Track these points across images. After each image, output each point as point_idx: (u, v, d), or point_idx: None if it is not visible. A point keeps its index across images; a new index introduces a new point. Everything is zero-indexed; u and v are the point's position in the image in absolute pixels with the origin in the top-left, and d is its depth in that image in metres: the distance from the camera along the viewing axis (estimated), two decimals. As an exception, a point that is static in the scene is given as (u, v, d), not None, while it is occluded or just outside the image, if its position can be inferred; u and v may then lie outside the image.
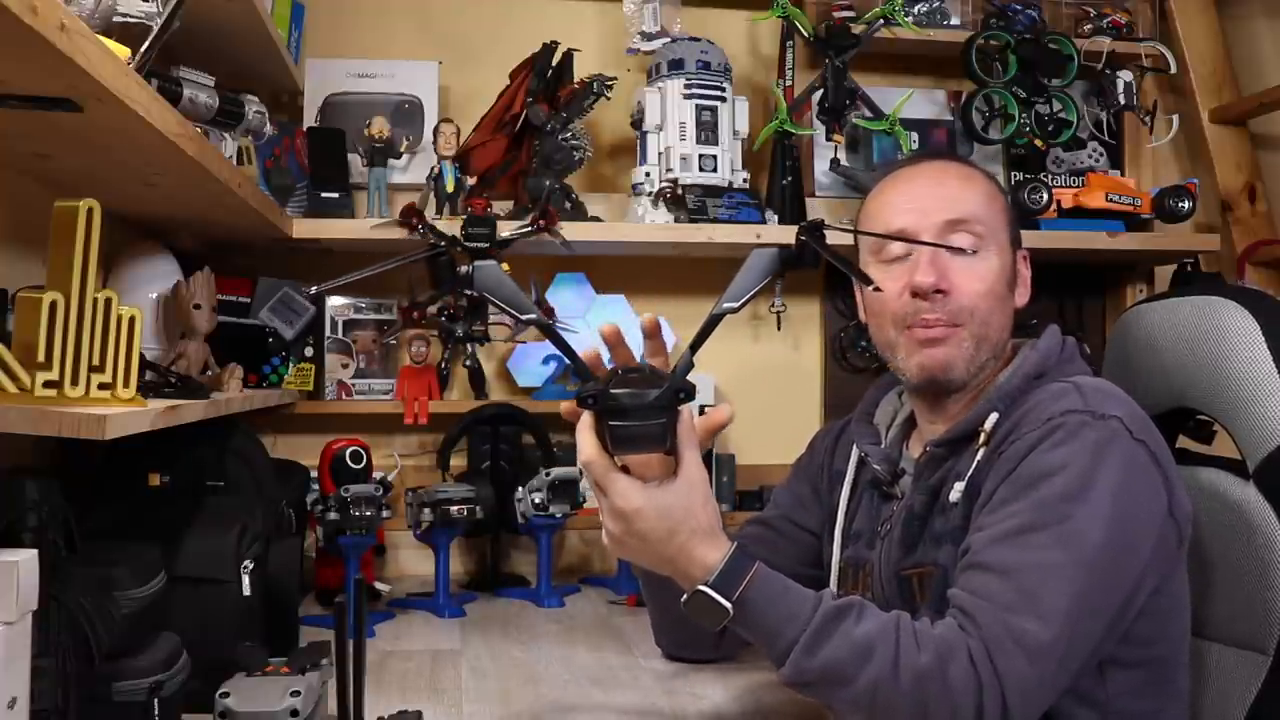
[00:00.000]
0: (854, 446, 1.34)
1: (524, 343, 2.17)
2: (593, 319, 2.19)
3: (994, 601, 1.00)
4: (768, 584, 1.02)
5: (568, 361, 1.02)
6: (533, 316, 1.01)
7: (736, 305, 1.02)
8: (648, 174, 2.08)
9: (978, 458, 1.13)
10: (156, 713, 1.07)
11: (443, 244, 1.01)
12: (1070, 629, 0.99)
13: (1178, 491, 1.10)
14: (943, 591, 1.08)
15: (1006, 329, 1.22)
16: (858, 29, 2.13)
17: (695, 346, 1.02)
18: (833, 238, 1.07)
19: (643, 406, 0.96)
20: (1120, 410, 1.08)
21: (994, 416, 1.14)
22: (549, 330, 1.02)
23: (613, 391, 0.96)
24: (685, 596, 1.02)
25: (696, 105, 2.06)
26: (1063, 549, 1.00)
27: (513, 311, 1.01)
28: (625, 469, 1.02)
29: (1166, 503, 1.08)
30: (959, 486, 1.13)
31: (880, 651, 0.98)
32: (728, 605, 1.00)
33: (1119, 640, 1.07)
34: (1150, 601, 1.08)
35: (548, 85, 2.07)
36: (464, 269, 1.01)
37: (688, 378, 0.98)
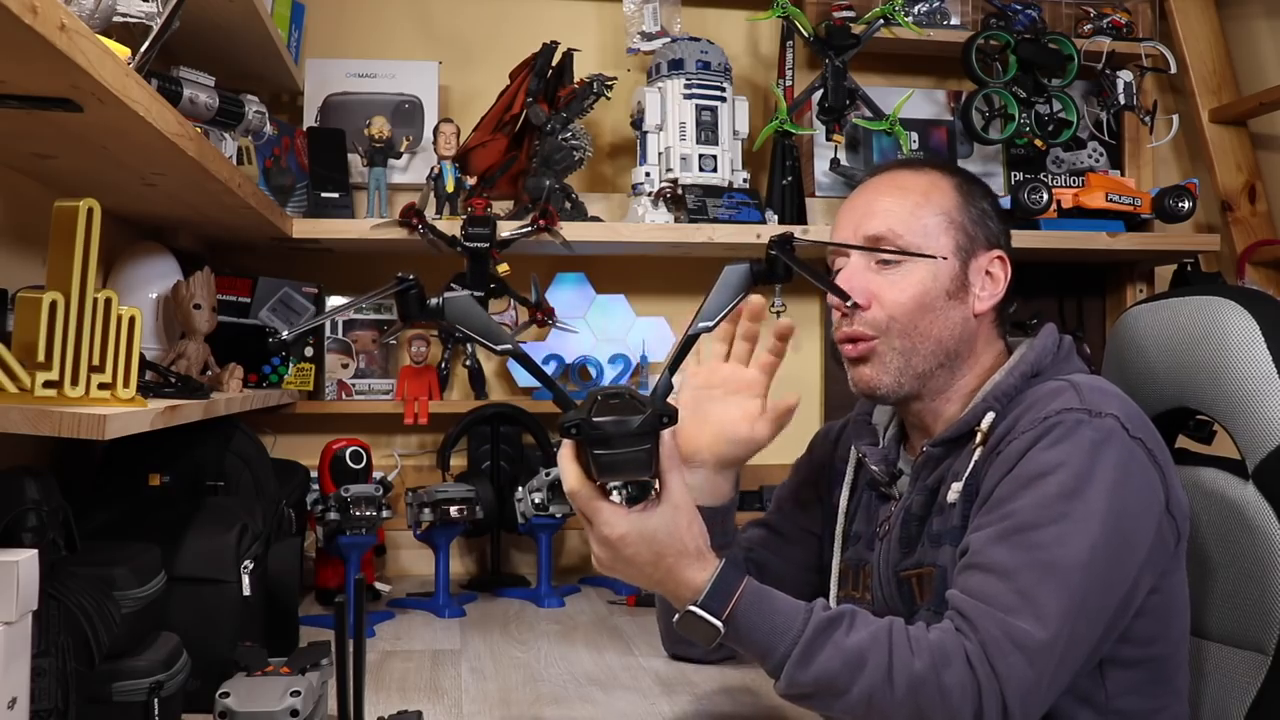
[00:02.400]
0: (853, 447, 1.34)
1: (523, 343, 2.17)
2: (593, 319, 2.19)
3: (992, 603, 1.00)
4: (757, 600, 1.02)
5: (557, 372, 1.02)
6: (507, 347, 1.00)
7: (711, 324, 1.01)
8: (648, 174, 2.08)
9: (975, 457, 1.13)
10: (156, 713, 1.07)
11: (411, 277, 1.01)
12: (1069, 629, 0.99)
13: (1175, 489, 1.10)
14: (942, 592, 1.08)
15: (951, 336, 1.20)
16: (858, 29, 2.13)
17: (673, 368, 1.01)
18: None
19: (627, 434, 0.95)
20: (1117, 408, 1.08)
21: (990, 416, 1.14)
22: (524, 359, 1.03)
23: (596, 420, 0.95)
24: (677, 617, 1.03)
25: (696, 105, 2.06)
26: (1060, 548, 1.00)
27: (486, 343, 1.00)
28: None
29: (1164, 500, 1.08)
30: (956, 486, 1.13)
31: (873, 661, 0.98)
32: (718, 624, 1.01)
33: (1118, 639, 1.07)
34: (1149, 600, 1.08)
35: (548, 85, 2.07)
36: (434, 301, 1.01)
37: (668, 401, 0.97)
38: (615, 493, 1.01)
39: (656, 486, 1.01)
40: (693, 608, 1.01)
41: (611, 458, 0.96)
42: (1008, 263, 1.24)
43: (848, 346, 1.22)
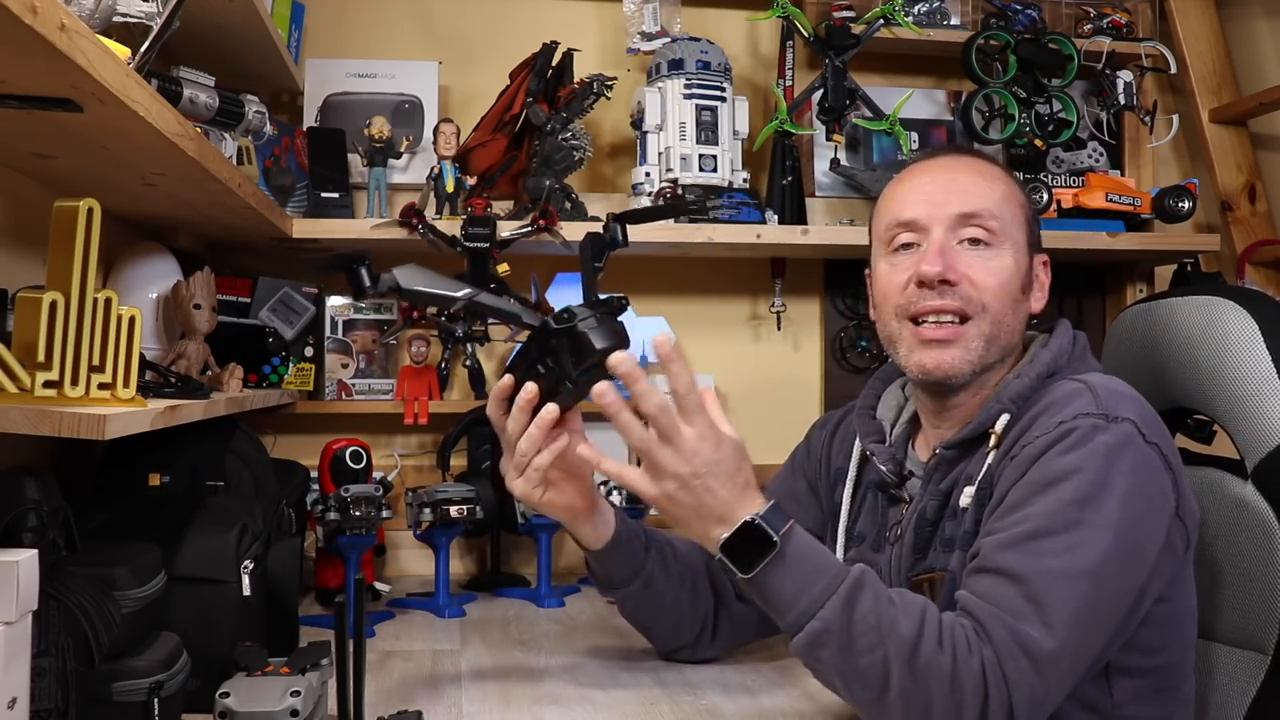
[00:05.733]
0: (856, 442, 1.32)
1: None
2: (593, 319, 2.19)
3: (1003, 608, 0.99)
4: (806, 537, 1.05)
5: (512, 315, 1.19)
6: (466, 291, 1.10)
7: (601, 264, 1.30)
8: (648, 174, 2.08)
9: (988, 460, 1.12)
10: (156, 713, 1.07)
11: (364, 251, 1.10)
12: (1077, 637, 0.99)
13: (1185, 493, 1.09)
14: (952, 597, 1.08)
15: (1018, 332, 1.20)
16: (858, 29, 2.13)
17: (590, 290, 1.25)
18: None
19: (604, 315, 1.16)
20: (1133, 412, 1.07)
21: (1005, 418, 1.13)
22: (485, 303, 1.14)
23: (577, 312, 1.15)
24: (727, 534, 1.03)
25: (696, 105, 2.06)
26: (1072, 556, 1.00)
27: (447, 294, 1.11)
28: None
29: (1175, 505, 1.07)
30: (969, 491, 1.12)
31: (905, 630, 0.98)
32: (776, 538, 1.01)
33: (1126, 648, 1.07)
34: (1157, 610, 1.08)
35: (548, 85, 2.07)
36: (385, 276, 1.08)
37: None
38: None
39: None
40: (752, 517, 1.02)
41: (603, 333, 1.14)
42: (1049, 267, 1.26)
43: (931, 328, 1.16)
